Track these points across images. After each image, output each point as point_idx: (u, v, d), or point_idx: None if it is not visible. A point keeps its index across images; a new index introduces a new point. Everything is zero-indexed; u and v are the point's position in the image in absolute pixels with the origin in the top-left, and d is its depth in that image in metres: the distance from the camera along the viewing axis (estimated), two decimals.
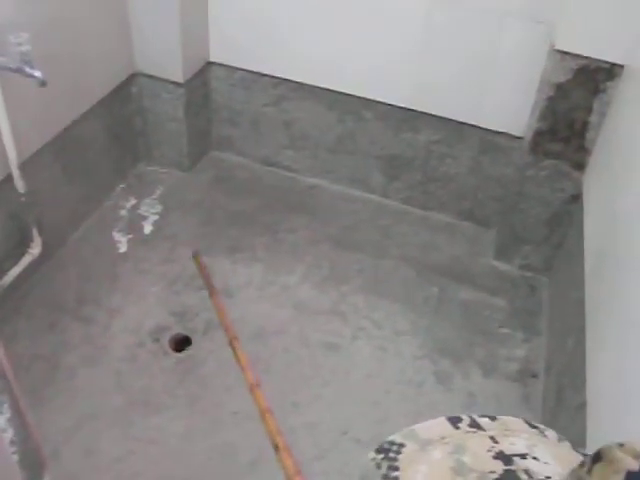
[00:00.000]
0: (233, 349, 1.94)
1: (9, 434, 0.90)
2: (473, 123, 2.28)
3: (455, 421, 0.68)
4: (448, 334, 2.08)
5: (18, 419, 0.91)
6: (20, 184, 1.97)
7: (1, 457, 0.88)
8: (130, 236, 2.31)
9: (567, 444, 0.67)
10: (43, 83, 1.81)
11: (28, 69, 1.79)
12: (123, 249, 2.26)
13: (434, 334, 2.08)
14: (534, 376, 1.98)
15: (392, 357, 2.00)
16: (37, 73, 1.79)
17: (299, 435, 1.79)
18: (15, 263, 2.02)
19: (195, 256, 2.19)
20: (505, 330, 2.11)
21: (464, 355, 2.03)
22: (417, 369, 1.98)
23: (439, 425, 0.68)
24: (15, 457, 0.91)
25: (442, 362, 2.00)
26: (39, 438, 0.98)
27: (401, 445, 0.66)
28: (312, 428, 1.81)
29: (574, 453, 0.66)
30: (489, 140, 2.30)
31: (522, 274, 2.28)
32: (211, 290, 2.09)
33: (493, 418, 0.69)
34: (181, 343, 1.99)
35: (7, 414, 0.89)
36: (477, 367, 2.00)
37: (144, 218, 2.38)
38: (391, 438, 0.67)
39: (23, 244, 2.06)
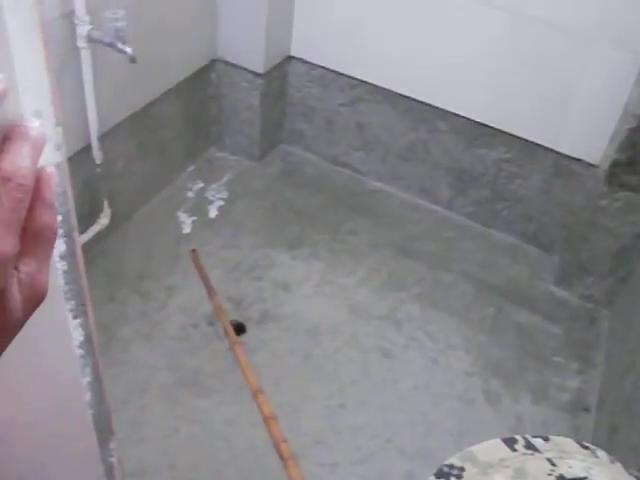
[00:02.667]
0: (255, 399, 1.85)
1: (87, 397, 0.91)
2: (548, 146, 2.25)
3: (511, 443, 0.69)
4: (501, 355, 2.06)
5: (97, 383, 0.93)
6: (97, 155, 2.01)
7: (81, 418, 0.89)
8: (195, 218, 2.34)
9: (619, 465, 0.67)
10: (133, 59, 1.84)
11: (120, 44, 1.82)
12: (187, 230, 2.29)
13: (487, 353, 2.05)
14: (586, 410, 1.94)
15: (443, 371, 1.99)
16: (128, 49, 1.82)
17: (343, 437, 1.79)
18: (84, 231, 2.06)
19: (193, 253, 2.17)
20: (559, 359, 2.07)
21: (515, 378, 2.00)
22: (467, 386, 1.96)
23: (496, 447, 0.68)
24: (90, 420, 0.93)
25: (492, 382, 1.98)
26: (110, 405, 0.99)
27: (461, 469, 0.66)
28: (357, 431, 1.81)
29: (627, 475, 0.66)
30: (562, 165, 2.26)
31: (582, 304, 2.24)
32: (209, 290, 2.07)
33: (546, 439, 0.69)
34: (235, 330, 2.00)
35: (88, 377, 0.90)
36: (527, 392, 1.97)
37: (210, 202, 2.41)
38: (450, 461, 0.67)
39: (93, 214, 2.09)
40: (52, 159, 0.71)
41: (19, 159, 0.40)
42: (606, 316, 2.21)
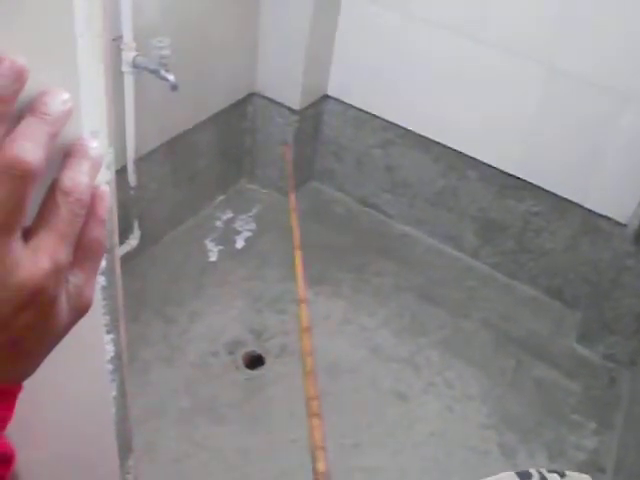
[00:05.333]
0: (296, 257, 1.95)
1: (112, 412, 0.92)
2: (577, 201, 2.25)
3: (525, 477, 0.69)
4: (518, 409, 2.03)
5: (122, 399, 0.94)
6: (132, 178, 2.05)
7: (106, 432, 0.90)
8: (221, 247, 2.36)
9: None
10: (175, 87, 1.89)
11: (163, 72, 1.87)
12: (213, 258, 2.31)
13: (504, 406, 2.03)
14: (602, 471, 1.91)
15: (459, 420, 1.97)
16: (171, 77, 1.87)
17: (355, 478, 1.77)
18: None
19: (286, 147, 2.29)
20: (577, 417, 2.05)
21: (532, 433, 1.97)
22: (482, 437, 1.93)
23: None
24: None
25: (508, 435, 1.95)
26: (132, 422, 1.00)
27: None
28: (369, 473, 1.79)
29: None
30: (591, 221, 2.25)
31: (604, 363, 2.21)
32: (290, 187, 2.18)
33: (562, 475, 0.69)
34: (254, 361, 2.01)
35: (114, 392, 0.91)
36: (543, 448, 1.94)
37: (237, 233, 2.43)
38: None
39: (123, 234, 2.13)
40: (103, 178, 0.73)
41: (78, 175, 0.42)
42: (627, 377, 2.18)
